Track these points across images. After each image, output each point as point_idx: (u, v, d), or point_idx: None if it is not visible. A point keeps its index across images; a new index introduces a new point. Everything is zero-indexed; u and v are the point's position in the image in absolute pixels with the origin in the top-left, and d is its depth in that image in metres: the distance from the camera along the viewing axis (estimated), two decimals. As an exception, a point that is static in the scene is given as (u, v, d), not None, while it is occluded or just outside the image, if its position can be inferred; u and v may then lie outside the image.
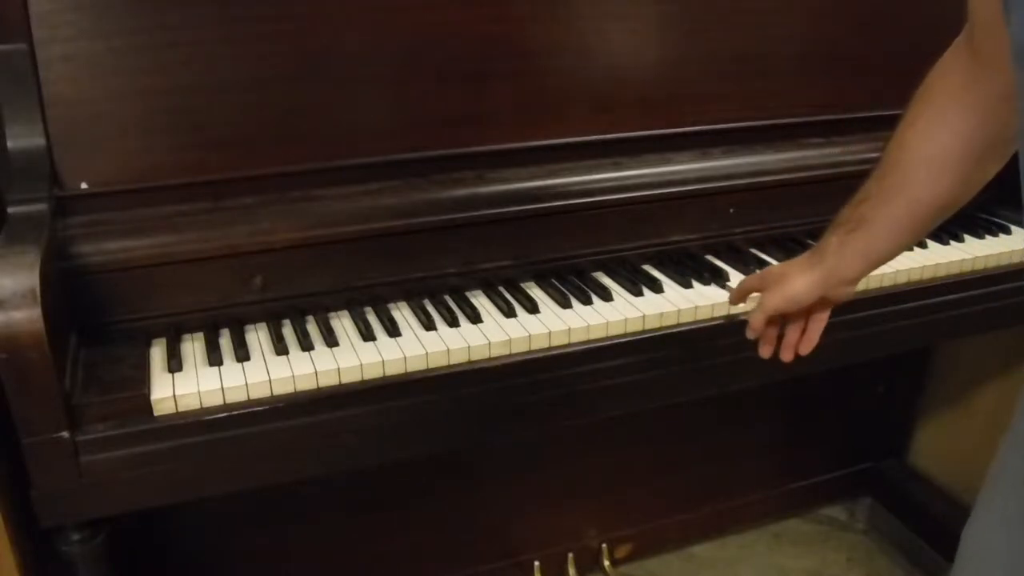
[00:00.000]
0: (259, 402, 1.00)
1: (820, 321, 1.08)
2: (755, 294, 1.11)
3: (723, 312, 1.21)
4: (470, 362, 1.09)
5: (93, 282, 1.04)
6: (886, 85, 1.52)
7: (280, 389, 1.01)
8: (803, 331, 1.09)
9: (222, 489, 1.03)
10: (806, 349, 1.09)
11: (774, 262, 1.32)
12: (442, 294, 1.20)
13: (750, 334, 1.10)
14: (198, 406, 0.98)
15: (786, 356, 1.10)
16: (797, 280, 1.03)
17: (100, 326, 1.06)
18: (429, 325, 1.12)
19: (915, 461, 2.06)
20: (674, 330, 1.18)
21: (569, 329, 1.13)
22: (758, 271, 1.15)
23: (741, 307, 1.22)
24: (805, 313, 1.07)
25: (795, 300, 1.04)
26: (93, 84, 1.06)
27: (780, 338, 1.10)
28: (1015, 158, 0.74)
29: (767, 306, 1.06)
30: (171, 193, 1.09)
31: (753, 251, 1.37)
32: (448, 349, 1.08)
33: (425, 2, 1.19)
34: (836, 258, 1.00)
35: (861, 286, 1.25)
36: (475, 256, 1.22)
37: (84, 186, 1.07)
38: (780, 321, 1.09)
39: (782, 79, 1.43)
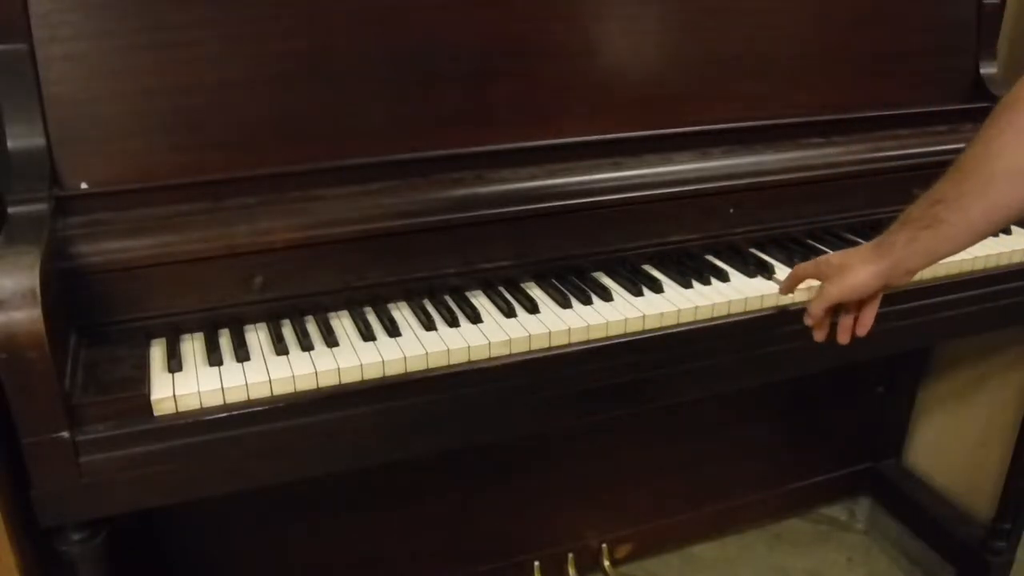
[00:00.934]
0: (259, 402, 1.00)
1: (873, 306, 1.12)
2: (808, 282, 1.16)
3: (723, 312, 1.21)
4: (470, 362, 1.09)
5: (93, 282, 1.04)
6: (886, 85, 1.52)
7: (280, 389, 1.01)
8: (856, 316, 1.13)
9: (222, 489, 1.03)
10: (863, 331, 1.14)
11: (774, 262, 1.32)
12: (442, 294, 1.20)
13: (809, 321, 1.14)
14: (198, 406, 0.98)
15: (843, 339, 1.15)
16: (860, 271, 1.06)
17: (100, 326, 1.06)
18: (429, 325, 1.12)
19: (915, 461, 2.06)
20: (674, 330, 1.18)
21: (569, 329, 1.13)
22: (823, 256, 1.18)
23: (742, 308, 1.22)
24: (859, 300, 1.11)
25: (858, 290, 1.08)
26: (93, 84, 1.07)
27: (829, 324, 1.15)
28: None
29: (829, 295, 1.10)
30: (171, 193, 1.09)
31: (753, 251, 1.37)
32: (448, 349, 1.08)
33: (425, 2, 1.19)
34: (903, 253, 1.04)
35: (861, 286, 1.25)
36: (475, 256, 1.22)
37: (84, 186, 1.07)
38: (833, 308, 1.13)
39: (782, 79, 1.43)
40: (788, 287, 1.21)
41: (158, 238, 1.06)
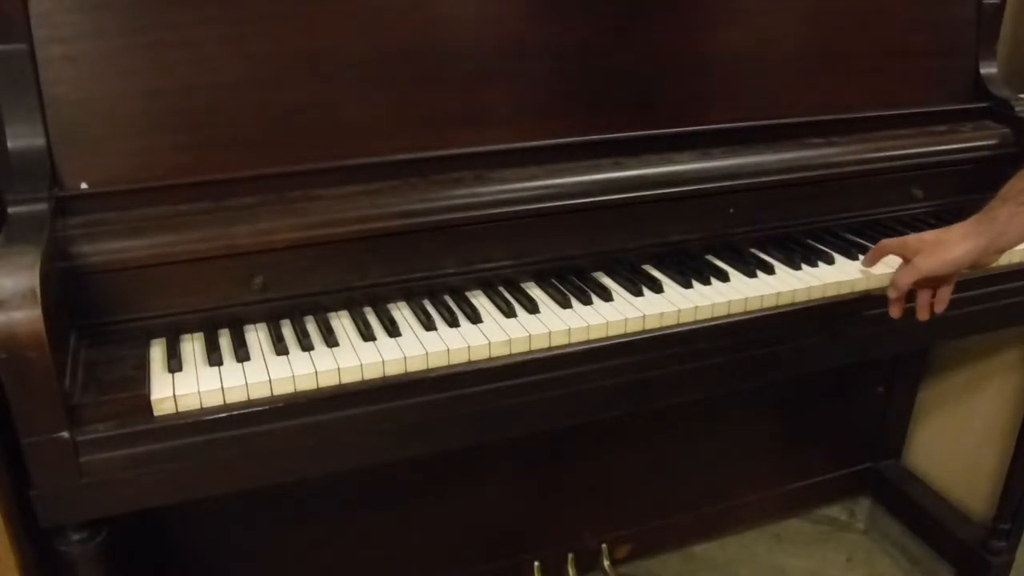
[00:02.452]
0: (259, 402, 1.00)
1: (951, 285, 1.15)
2: (889, 257, 1.20)
3: (723, 312, 1.21)
4: (470, 362, 1.09)
5: (93, 282, 1.04)
6: (886, 85, 1.52)
7: (280, 389, 1.01)
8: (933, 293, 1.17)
9: (222, 489, 1.03)
10: (940, 308, 1.17)
11: (774, 262, 1.32)
12: (442, 294, 1.20)
13: (892, 293, 1.16)
14: (198, 406, 0.98)
15: (923, 316, 1.18)
16: (959, 246, 1.09)
17: (100, 326, 1.06)
18: (429, 325, 1.12)
19: (914, 461, 2.06)
20: (674, 330, 1.18)
21: (569, 329, 1.13)
22: (915, 233, 1.19)
23: (742, 308, 1.22)
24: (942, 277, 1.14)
25: (955, 265, 1.10)
26: (93, 84, 1.07)
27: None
28: None
29: (923, 269, 1.12)
30: (171, 193, 1.09)
31: (753, 251, 1.37)
32: (448, 349, 1.08)
33: (425, 2, 1.19)
34: (1005, 227, 1.06)
35: (861, 287, 1.26)
36: (475, 256, 1.22)
37: (84, 186, 1.07)
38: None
39: (782, 79, 1.43)
40: (872, 260, 1.24)
41: (158, 238, 1.06)
